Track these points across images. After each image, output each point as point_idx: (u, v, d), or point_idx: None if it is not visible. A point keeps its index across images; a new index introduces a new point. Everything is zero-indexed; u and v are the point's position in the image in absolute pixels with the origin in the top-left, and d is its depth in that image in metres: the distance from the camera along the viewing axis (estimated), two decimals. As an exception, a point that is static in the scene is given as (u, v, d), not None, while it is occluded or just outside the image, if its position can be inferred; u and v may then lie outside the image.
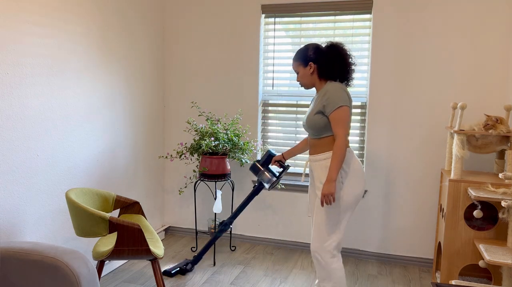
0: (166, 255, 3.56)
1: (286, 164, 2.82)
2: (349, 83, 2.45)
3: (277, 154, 2.83)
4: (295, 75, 3.65)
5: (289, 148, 3.26)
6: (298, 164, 3.71)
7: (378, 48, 3.36)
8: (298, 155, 2.86)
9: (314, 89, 2.51)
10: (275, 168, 2.90)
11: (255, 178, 3.76)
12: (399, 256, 3.48)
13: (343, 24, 3.50)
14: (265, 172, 2.80)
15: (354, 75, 2.46)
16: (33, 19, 2.46)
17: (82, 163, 2.92)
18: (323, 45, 2.42)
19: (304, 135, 3.65)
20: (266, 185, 2.82)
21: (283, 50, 3.66)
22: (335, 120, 2.28)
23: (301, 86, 2.49)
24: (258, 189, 2.98)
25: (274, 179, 2.80)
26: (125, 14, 3.30)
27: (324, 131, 2.35)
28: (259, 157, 3.76)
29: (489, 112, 3.12)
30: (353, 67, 2.41)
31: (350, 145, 2.52)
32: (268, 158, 2.81)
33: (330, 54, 2.37)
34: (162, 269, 3.17)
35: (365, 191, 3.50)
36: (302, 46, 2.48)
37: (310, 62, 2.39)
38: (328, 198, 2.23)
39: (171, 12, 3.86)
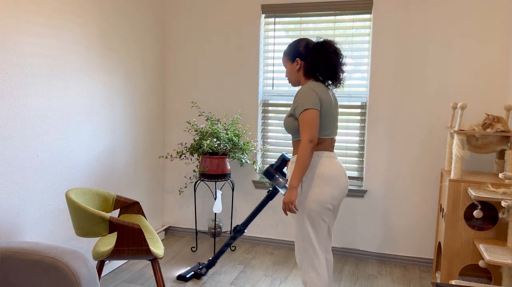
0: (166, 255, 3.56)
1: None
2: (336, 85, 2.29)
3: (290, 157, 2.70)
4: (295, 75, 3.67)
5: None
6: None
7: (378, 48, 3.36)
8: None
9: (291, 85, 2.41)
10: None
11: (255, 178, 3.76)
12: (399, 256, 3.48)
13: (343, 24, 3.50)
14: (280, 177, 2.59)
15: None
16: (33, 19, 2.46)
17: (82, 163, 2.92)
18: (315, 41, 2.28)
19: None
20: (282, 191, 2.59)
21: (283, 50, 3.65)
22: (301, 123, 2.14)
23: (289, 82, 2.37)
24: (272, 194, 2.79)
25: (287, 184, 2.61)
26: (125, 14, 3.30)
27: (298, 134, 2.23)
28: (259, 157, 3.76)
29: (489, 112, 3.12)
30: (342, 67, 2.25)
31: (340, 146, 2.44)
32: (282, 162, 2.62)
33: (317, 51, 2.22)
34: (176, 274, 3.14)
35: (365, 191, 3.50)
36: (294, 40, 2.36)
37: (297, 58, 2.26)
38: (288, 206, 2.13)
39: (171, 12, 3.86)
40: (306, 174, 2.18)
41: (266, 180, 3.69)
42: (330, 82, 2.27)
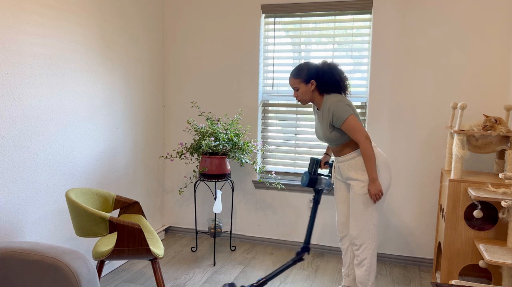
0: (166, 255, 3.56)
1: (331, 161, 2.86)
2: (348, 93, 2.65)
3: (318, 157, 2.83)
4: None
5: (322, 151, 3.54)
6: (299, 164, 3.71)
7: (378, 48, 3.36)
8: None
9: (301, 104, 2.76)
10: (323, 171, 2.98)
11: (255, 178, 3.76)
12: (399, 256, 3.48)
13: (343, 24, 3.50)
14: (321, 179, 2.76)
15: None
16: (33, 19, 2.46)
17: (82, 163, 2.92)
18: (319, 64, 2.61)
19: (309, 141, 3.65)
20: (327, 189, 2.79)
21: (283, 50, 3.66)
22: (349, 130, 2.49)
23: (298, 101, 2.65)
24: (318, 198, 2.79)
25: (330, 180, 2.77)
26: (125, 14, 3.30)
27: (342, 139, 2.57)
28: (259, 157, 3.76)
29: (489, 112, 3.12)
30: (347, 82, 2.63)
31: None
32: (317, 164, 2.78)
33: (329, 71, 2.56)
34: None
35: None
36: (298, 64, 2.63)
37: (312, 80, 2.55)
38: (377, 196, 2.49)
39: (171, 12, 3.86)
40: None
41: (266, 180, 3.69)
42: (343, 93, 2.65)
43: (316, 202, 2.82)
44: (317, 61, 2.64)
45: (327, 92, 2.59)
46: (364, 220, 2.58)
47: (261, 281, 2.70)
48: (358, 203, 2.57)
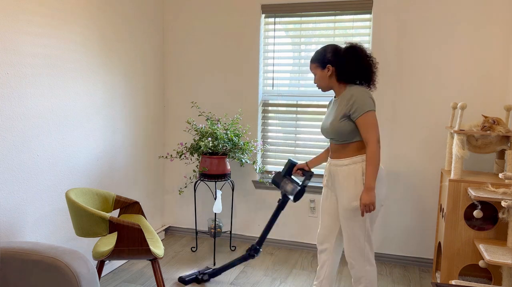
0: (166, 255, 3.56)
1: (309, 171, 2.60)
2: (372, 87, 2.37)
3: (299, 162, 2.67)
4: (295, 75, 3.69)
5: (313, 156, 3.15)
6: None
7: (378, 48, 3.36)
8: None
9: (321, 91, 2.47)
10: (298, 178, 2.68)
11: (255, 178, 3.76)
12: (399, 256, 3.48)
13: (343, 24, 3.50)
14: (288, 183, 2.57)
15: (378, 77, 2.39)
16: (33, 19, 2.46)
17: (82, 163, 2.92)
18: (342, 47, 2.34)
19: (309, 141, 3.65)
20: (291, 197, 2.57)
21: (283, 50, 3.66)
22: (364, 125, 2.21)
23: (318, 88, 2.41)
24: (283, 203, 2.69)
25: (298, 189, 2.54)
26: (125, 14, 3.30)
27: (350, 137, 2.28)
28: (259, 157, 3.76)
29: (489, 112, 3.12)
30: (374, 69, 2.32)
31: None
32: (290, 167, 2.60)
33: (349, 56, 2.28)
34: (178, 275, 3.14)
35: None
36: (320, 47, 2.39)
37: (328, 65, 2.31)
38: (368, 208, 2.18)
39: (171, 12, 3.86)
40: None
41: (266, 180, 3.69)
42: (367, 85, 2.35)
43: (279, 206, 2.70)
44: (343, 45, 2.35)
45: (347, 81, 2.31)
46: (356, 238, 2.30)
47: (206, 272, 3.02)
48: (348, 219, 2.29)
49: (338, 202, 2.36)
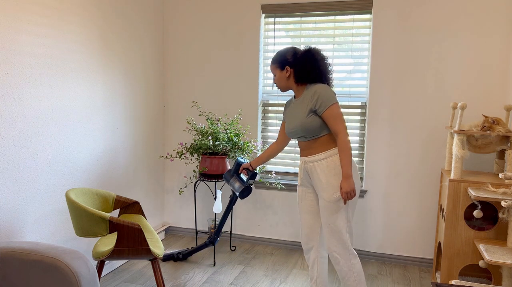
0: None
1: (254, 171, 2.73)
2: (330, 85, 2.45)
3: (246, 161, 2.81)
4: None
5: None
6: (299, 164, 3.71)
7: (378, 48, 3.36)
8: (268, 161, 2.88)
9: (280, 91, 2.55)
10: (244, 176, 2.84)
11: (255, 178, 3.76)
12: (399, 256, 3.48)
13: (343, 24, 3.50)
14: (236, 181, 2.78)
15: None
16: (33, 19, 2.46)
17: (82, 163, 2.92)
18: (302, 49, 2.42)
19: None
20: (237, 194, 2.80)
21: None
22: (331, 117, 2.28)
23: (278, 88, 2.51)
24: (234, 198, 3.07)
25: (243, 187, 2.75)
26: (126, 14, 3.30)
27: (319, 131, 2.34)
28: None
29: (489, 112, 3.12)
30: (329, 71, 2.42)
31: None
32: (237, 166, 2.78)
33: (306, 59, 2.37)
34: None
35: (365, 191, 3.50)
36: (281, 48, 2.49)
37: (287, 66, 2.39)
38: (350, 195, 2.26)
39: (171, 12, 3.86)
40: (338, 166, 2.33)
41: (266, 180, 3.69)
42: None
43: (230, 201, 3.12)
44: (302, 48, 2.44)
45: (304, 81, 2.38)
46: (339, 231, 2.34)
47: (187, 251, 3.36)
48: (330, 212, 2.33)
49: (319, 197, 2.39)
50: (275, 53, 2.48)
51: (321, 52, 2.41)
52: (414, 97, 3.32)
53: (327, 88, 2.34)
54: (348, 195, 2.25)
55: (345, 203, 2.29)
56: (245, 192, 2.77)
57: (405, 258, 3.46)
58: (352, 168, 2.32)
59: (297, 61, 2.38)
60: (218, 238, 3.23)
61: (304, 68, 2.36)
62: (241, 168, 2.76)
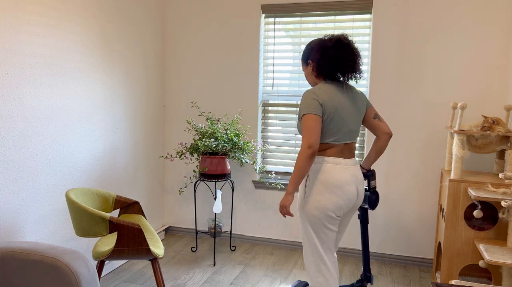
0: (166, 255, 3.56)
1: (368, 172, 2.47)
2: (348, 79, 2.17)
3: None
4: (295, 75, 3.69)
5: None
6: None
7: (378, 48, 3.36)
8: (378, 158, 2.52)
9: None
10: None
11: (255, 178, 3.76)
12: (399, 256, 3.48)
13: (343, 24, 3.50)
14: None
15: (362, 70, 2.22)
16: (33, 19, 2.46)
17: (82, 163, 2.92)
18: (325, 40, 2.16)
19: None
20: (366, 205, 2.50)
21: (283, 50, 3.66)
22: (302, 128, 2.07)
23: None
24: (363, 217, 2.65)
25: (367, 193, 2.48)
26: (126, 14, 3.30)
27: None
28: (259, 157, 3.76)
29: (489, 112, 3.12)
30: (349, 58, 2.10)
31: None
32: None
33: (318, 50, 2.13)
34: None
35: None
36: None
37: (309, 61, 2.20)
38: (282, 210, 2.13)
39: (171, 12, 3.86)
40: (310, 179, 2.14)
41: (266, 180, 3.69)
42: (341, 79, 2.17)
43: (362, 221, 2.70)
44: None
45: (323, 75, 2.15)
46: (304, 243, 2.22)
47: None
48: (300, 222, 2.23)
49: None
50: None
51: (336, 38, 2.11)
52: (414, 97, 3.32)
53: (310, 94, 2.08)
54: (280, 209, 2.13)
55: (283, 216, 2.22)
56: (372, 197, 2.46)
57: (405, 258, 3.46)
58: (330, 181, 2.10)
59: (315, 53, 2.14)
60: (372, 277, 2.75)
61: (323, 60, 2.11)
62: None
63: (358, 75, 2.18)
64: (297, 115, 2.25)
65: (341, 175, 2.11)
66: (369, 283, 2.68)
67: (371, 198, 2.47)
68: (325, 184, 2.10)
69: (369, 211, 3.49)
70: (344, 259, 3.52)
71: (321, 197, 2.10)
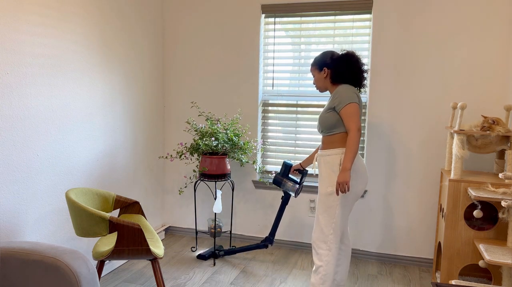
0: (166, 255, 3.56)
1: (304, 170, 2.97)
2: (361, 88, 2.64)
3: (292, 163, 3.03)
4: (295, 75, 3.71)
5: (306, 155, 3.58)
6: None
7: (378, 48, 3.36)
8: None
9: (319, 92, 2.73)
10: (295, 177, 3.06)
11: (255, 178, 3.76)
12: (399, 256, 3.48)
13: (343, 24, 3.50)
14: (287, 182, 2.98)
15: (366, 81, 2.68)
16: (33, 19, 2.46)
17: (82, 163, 2.92)
18: (339, 53, 2.63)
19: (309, 141, 3.66)
20: (292, 193, 2.99)
21: (283, 50, 3.66)
22: (346, 115, 2.44)
23: (316, 89, 2.70)
24: (286, 199, 3.16)
25: (297, 186, 2.96)
26: (125, 14, 3.30)
27: (335, 128, 2.51)
28: (259, 157, 3.76)
29: (489, 112, 3.12)
30: (364, 74, 2.60)
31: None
32: (286, 168, 2.99)
33: (342, 61, 2.57)
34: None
35: (365, 191, 3.50)
36: (320, 52, 2.71)
37: (324, 67, 2.60)
38: (342, 187, 2.37)
39: (171, 12, 3.86)
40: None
41: (266, 180, 3.69)
42: (357, 86, 2.61)
43: (282, 202, 3.18)
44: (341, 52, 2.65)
45: (340, 82, 2.58)
46: (323, 223, 2.50)
47: (229, 250, 3.46)
48: (320, 204, 2.52)
49: (318, 190, 2.58)
50: (315, 57, 2.69)
51: (356, 55, 2.59)
52: (414, 96, 3.32)
53: (348, 88, 2.50)
54: (340, 186, 2.37)
55: (337, 193, 2.41)
56: (299, 190, 2.98)
57: (405, 258, 3.46)
58: (359, 168, 2.51)
59: (333, 63, 2.59)
60: (274, 239, 3.32)
61: (338, 69, 2.56)
62: (292, 169, 2.99)
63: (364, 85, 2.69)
64: (329, 107, 2.53)
65: (363, 164, 2.59)
66: (270, 245, 3.31)
67: (299, 190, 2.99)
68: (357, 171, 2.50)
69: (369, 211, 3.50)
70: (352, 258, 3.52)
71: (355, 183, 2.49)
